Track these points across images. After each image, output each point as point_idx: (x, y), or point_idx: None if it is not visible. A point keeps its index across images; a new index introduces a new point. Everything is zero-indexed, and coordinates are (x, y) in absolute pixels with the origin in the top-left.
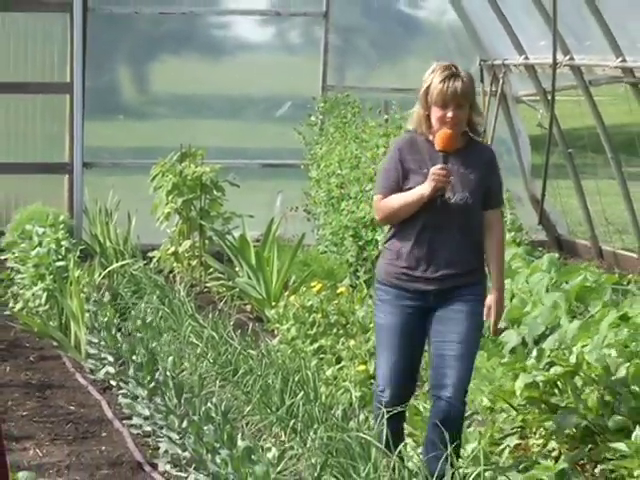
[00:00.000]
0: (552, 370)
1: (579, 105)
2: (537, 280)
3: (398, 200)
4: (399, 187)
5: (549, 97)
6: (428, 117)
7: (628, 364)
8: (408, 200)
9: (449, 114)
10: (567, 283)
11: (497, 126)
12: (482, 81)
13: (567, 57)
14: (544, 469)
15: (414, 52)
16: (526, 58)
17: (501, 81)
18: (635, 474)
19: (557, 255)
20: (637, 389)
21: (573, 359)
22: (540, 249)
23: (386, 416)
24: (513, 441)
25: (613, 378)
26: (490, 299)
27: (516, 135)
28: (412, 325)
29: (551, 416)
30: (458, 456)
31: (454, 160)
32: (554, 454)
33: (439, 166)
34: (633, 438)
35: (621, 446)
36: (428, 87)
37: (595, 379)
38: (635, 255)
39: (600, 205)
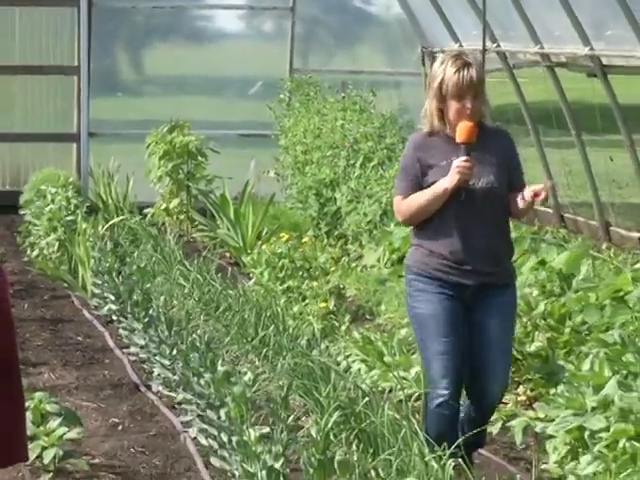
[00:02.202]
0: None
1: (504, 85)
2: None
3: (420, 198)
4: (419, 185)
5: None
6: (441, 111)
7: (545, 301)
8: (431, 196)
9: (468, 105)
10: None
11: None
12: (423, 65)
13: (494, 44)
14: None
15: (366, 40)
16: (460, 45)
17: None
18: (551, 392)
19: None
20: (552, 322)
21: None
22: None
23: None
24: None
25: (533, 312)
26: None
27: None
28: (456, 312)
29: None
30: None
31: (474, 146)
32: None
33: (463, 158)
34: (549, 363)
35: (539, 369)
36: (442, 80)
37: (519, 313)
38: (550, 210)
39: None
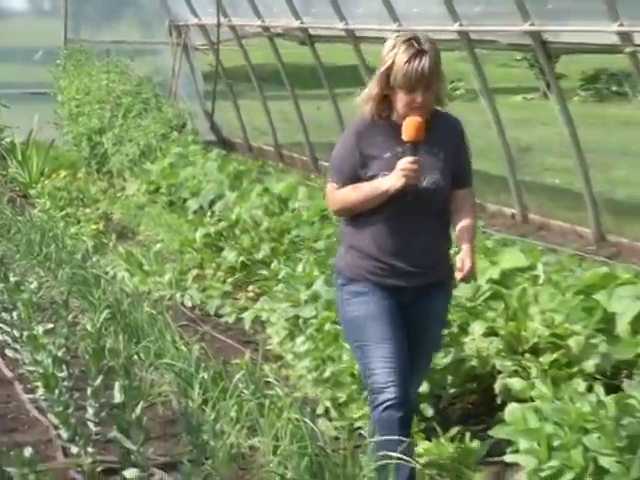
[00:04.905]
0: (220, 224)
1: (235, 51)
2: (209, 166)
3: (359, 193)
4: (357, 176)
5: (215, 46)
6: (385, 98)
7: (269, 219)
8: (370, 194)
9: (418, 99)
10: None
11: (181, 66)
12: (170, 35)
13: (227, 19)
14: (215, 289)
15: (126, 16)
16: (200, 20)
17: (184, 36)
18: (273, 289)
19: (222, 149)
20: (274, 235)
21: (234, 217)
22: (211, 146)
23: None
24: (194, 272)
25: (259, 228)
26: (462, 253)
27: (194, 72)
28: (395, 312)
29: (219, 254)
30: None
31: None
32: (221, 279)
33: (409, 159)
34: (272, 267)
35: (264, 272)
36: (391, 67)
37: (247, 229)
38: (272, 149)
39: (248, 116)
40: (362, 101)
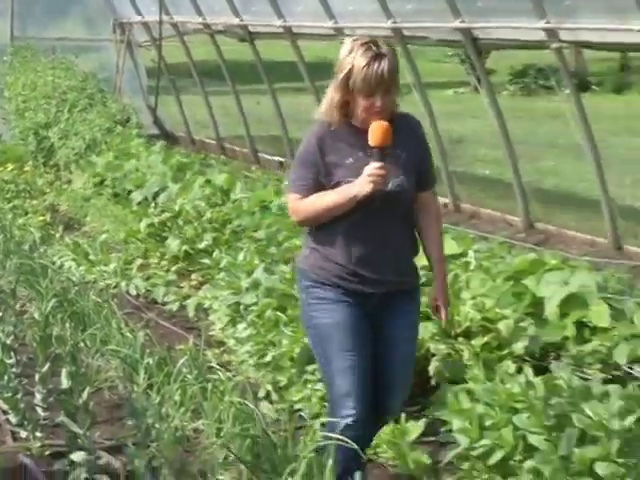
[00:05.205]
0: (163, 215)
1: (178, 48)
2: (153, 159)
3: (324, 201)
4: (320, 184)
5: (158, 43)
6: (346, 104)
7: (211, 210)
8: (337, 201)
9: (378, 103)
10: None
11: (125, 62)
12: (115, 32)
13: (169, 17)
14: (159, 277)
15: (72, 14)
16: (143, 18)
17: (127, 33)
18: (215, 277)
19: (165, 143)
20: (217, 225)
21: (177, 208)
22: (154, 140)
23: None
24: (139, 261)
25: (202, 219)
26: (436, 290)
27: (137, 68)
28: (362, 321)
29: (163, 244)
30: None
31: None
32: (165, 268)
33: (376, 165)
34: (214, 256)
35: (207, 261)
36: (349, 72)
37: (190, 219)
38: (214, 141)
39: (190, 111)
40: (326, 110)
